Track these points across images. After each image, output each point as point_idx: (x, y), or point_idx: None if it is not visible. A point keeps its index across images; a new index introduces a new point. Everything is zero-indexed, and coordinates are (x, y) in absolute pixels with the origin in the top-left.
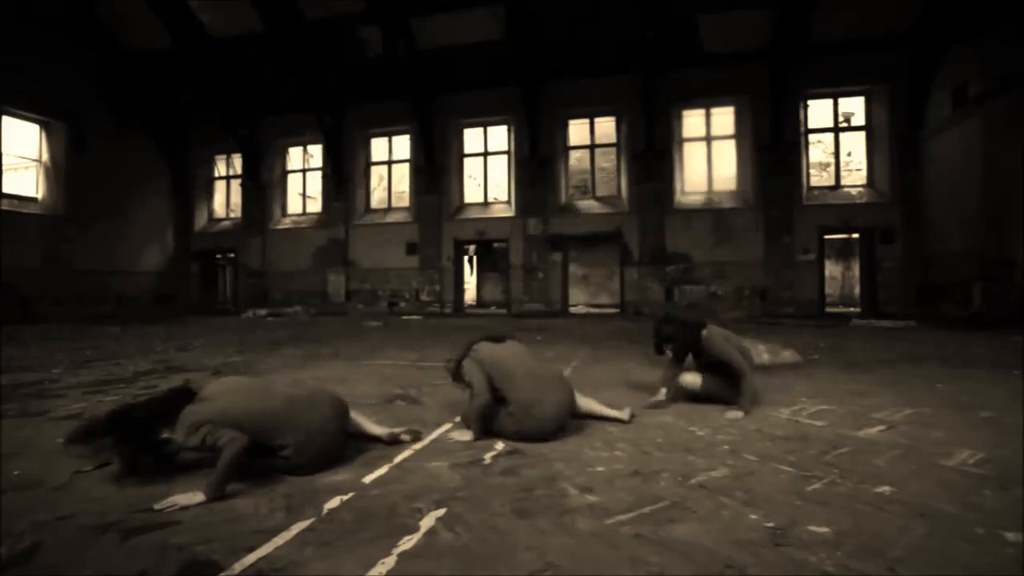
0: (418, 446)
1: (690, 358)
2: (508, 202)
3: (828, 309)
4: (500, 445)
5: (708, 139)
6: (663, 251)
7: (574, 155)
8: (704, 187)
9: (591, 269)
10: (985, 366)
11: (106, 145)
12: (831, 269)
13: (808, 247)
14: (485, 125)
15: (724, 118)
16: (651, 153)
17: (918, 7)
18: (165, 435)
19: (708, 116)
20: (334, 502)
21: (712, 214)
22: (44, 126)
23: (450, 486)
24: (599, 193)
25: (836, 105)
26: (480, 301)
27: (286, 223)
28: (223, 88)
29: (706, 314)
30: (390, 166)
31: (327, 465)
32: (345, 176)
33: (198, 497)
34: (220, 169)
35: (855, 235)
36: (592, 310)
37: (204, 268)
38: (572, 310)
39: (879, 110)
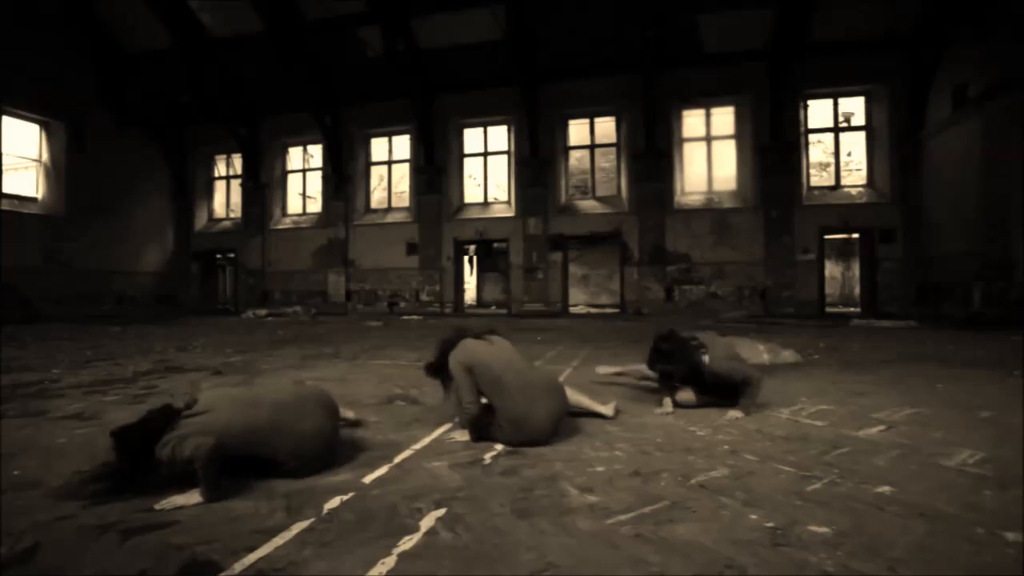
0: (418, 446)
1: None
2: (508, 202)
3: (828, 309)
4: (500, 445)
5: (708, 139)
6: (663, 251)
7: (574, 155)
8: (704, 187)
9: (591, 269)
10: (985, 366)
11: (106, 145)
12: (831, 269)
13: (808, 247)
14: (485, 125)
15: (724, 118)
16: (651, 153)
17: (918, 7)
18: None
19: (708, 116)
20: (334, 502)
21: (712, 214)
22: (44, 126)
23: (450, 486)
24: (599, 193)
25: (836, 105)
26: (480, 301)
27: (286, 223)
28: (223, 88)
29: (707, 314)
30: (390, 166)
31: (322, 467)
32: (345, 176)
33: (195, 498)
34: (220, 169)
35: (855, 235)
36: (592, 310)
37: (204, 268)
38: (572, 310)
39: (879, 110)
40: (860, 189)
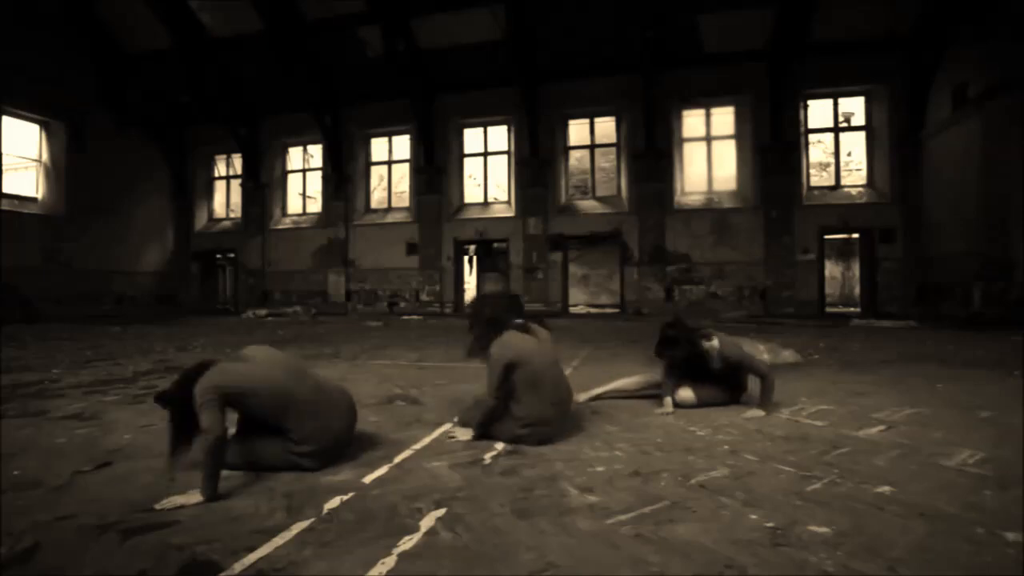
0: (418, 446)
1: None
2: (508, 202)
3: (828, 309)
4: (500, 445)
5: (708, 139)
6: (663, 251)
7: (574, 155)
8: (704, 187)
9: (591, 269)
10: (985, 366)
11: (106, 145)
12: (831, 269)
13: (808, 247)
14: (485, 125)
15: (724, 118)
16: (651, 153)
17: (918, 7)
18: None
19: (708, 116)
20: (334, 502)
21: (712, 214)
22: (44, 126)
23: (450, 486)
24: (599, 193)
25: (836, 105)
26: None
27: (286, 223)
28: (223, 88)
29: (707, 314)
30: (390, 166)
31: (325, 466)
32: (345, 176)
33: (195, 497)
34: (220, 169)
35: (855, 235)
36: (592, 310)
37: (204, 268)
38: (572, 310)
39: (879, 110)
40: (860, 189)
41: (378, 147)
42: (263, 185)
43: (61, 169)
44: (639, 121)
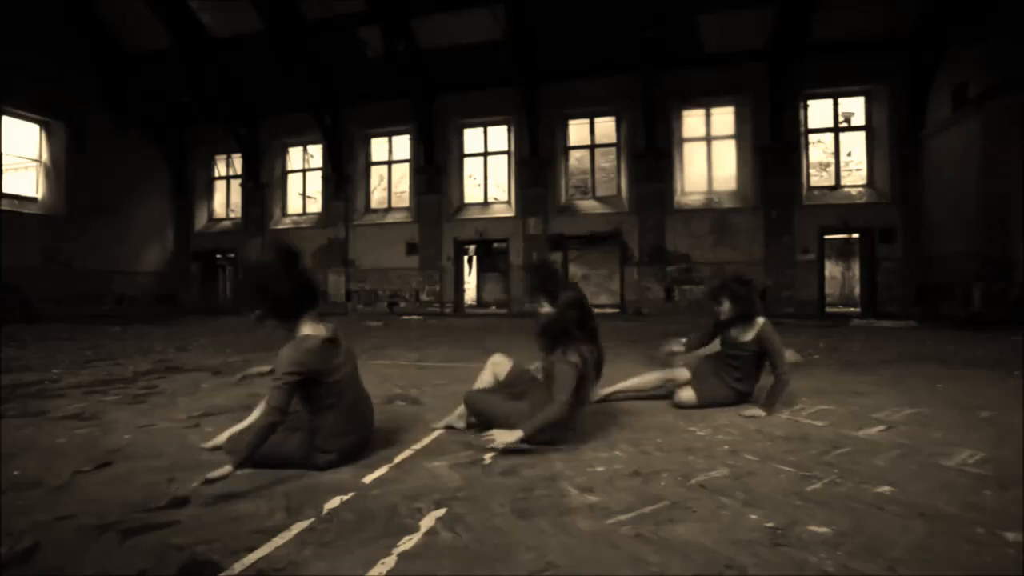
0: (418, 446)
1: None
2: (508, 202)
3: (828, 309)
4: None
5: (708, 139)
6: (663, 251)
7: (574, 155)
8: (704, 187)
9: (591, 269)
10: (985, 366)
11: (106, 145)
12: (831, 269)
13: (808, 247)
14: (485, 125)
15: (724, 118)
16: (651, 153)
17: (918, 7)
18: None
19: (708, 116)
20: (334, 502)
21: (712, 214)
22: (44, 126)
23: (450, 486)
24: (599, 193)
25: (836, 105)
26: (480, 301)
27: (286, 223)
28: (223, 88)
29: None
30: (390, 166)
31: (331, 466)
32: (345, 176)
33: (225, 468)
34: (220, 169)
35: (855, 235)
36: (592, 310)
37: (204, 268)
38: None
39: (879, 110)
40: (860, 189)
41: (378, 147)
42: (263, 185)
43: (61, 169)
44: (639, 121)
